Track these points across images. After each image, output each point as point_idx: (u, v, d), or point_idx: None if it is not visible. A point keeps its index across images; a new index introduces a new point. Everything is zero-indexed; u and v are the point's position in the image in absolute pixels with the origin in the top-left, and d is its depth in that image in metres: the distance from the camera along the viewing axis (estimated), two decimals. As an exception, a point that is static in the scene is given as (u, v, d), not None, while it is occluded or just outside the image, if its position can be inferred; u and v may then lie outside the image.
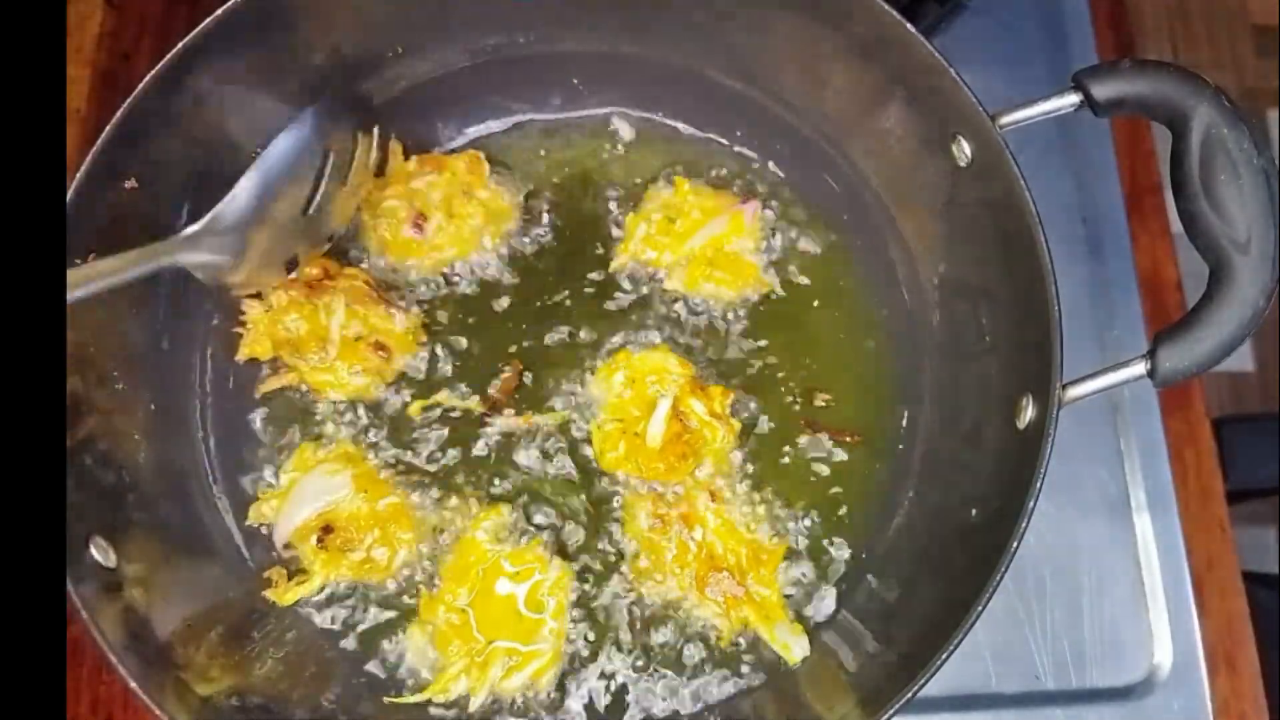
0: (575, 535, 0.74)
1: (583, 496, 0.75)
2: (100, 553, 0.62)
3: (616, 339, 0.78)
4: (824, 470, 0.77)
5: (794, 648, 0.71)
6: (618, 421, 0.74)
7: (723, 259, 0.78)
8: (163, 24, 0.88)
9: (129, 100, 0.63)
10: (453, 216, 0.78)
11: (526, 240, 0.81)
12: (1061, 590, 0.84)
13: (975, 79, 0.64)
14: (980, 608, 0.58)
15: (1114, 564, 0.85)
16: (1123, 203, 0.94)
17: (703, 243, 0.78)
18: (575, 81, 0.82)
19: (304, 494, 0.72)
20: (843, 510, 0.76)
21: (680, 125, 0.84)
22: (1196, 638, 0.84)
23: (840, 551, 0.75)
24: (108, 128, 0.63)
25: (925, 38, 0.64)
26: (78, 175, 0.63)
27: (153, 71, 0.64)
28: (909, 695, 0.58)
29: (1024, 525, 0.58)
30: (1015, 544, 0.58)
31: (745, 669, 0.72)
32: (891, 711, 0.58)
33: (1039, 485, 0.58)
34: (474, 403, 0.77)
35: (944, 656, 0.57)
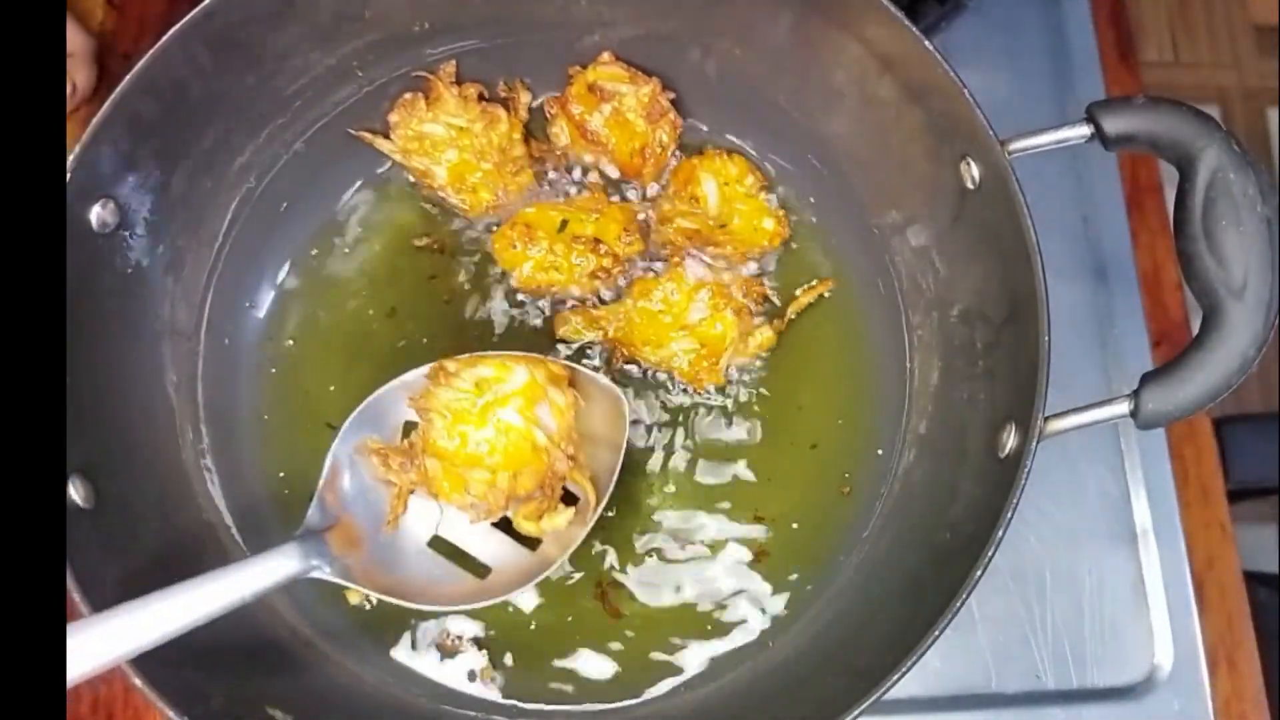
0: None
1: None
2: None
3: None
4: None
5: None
6: None
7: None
8: (163, 24, 0.88)
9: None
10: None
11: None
12: (1061, 590, 0.84)
13: (974, 78, 0.64)
14: (938, 632, 0.57)
15: (1114, 564, 0.85)
16: (1123, 201, 0.94)
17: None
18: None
19: None
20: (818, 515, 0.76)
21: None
22: (1197, 637, 0.84)
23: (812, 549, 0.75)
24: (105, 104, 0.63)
25: (926, 36, 0.64)
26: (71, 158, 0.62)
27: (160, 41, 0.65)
28: (862, 707, 0.58)
29: (991, 554, 0.58)
30: (980, 572, 0.58)
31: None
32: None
33: (1010, 516, 0.58)
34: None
35: (897, 678, 0.57)
